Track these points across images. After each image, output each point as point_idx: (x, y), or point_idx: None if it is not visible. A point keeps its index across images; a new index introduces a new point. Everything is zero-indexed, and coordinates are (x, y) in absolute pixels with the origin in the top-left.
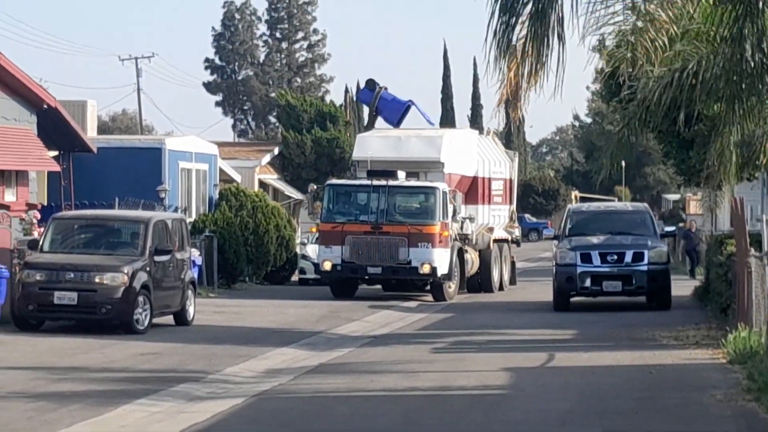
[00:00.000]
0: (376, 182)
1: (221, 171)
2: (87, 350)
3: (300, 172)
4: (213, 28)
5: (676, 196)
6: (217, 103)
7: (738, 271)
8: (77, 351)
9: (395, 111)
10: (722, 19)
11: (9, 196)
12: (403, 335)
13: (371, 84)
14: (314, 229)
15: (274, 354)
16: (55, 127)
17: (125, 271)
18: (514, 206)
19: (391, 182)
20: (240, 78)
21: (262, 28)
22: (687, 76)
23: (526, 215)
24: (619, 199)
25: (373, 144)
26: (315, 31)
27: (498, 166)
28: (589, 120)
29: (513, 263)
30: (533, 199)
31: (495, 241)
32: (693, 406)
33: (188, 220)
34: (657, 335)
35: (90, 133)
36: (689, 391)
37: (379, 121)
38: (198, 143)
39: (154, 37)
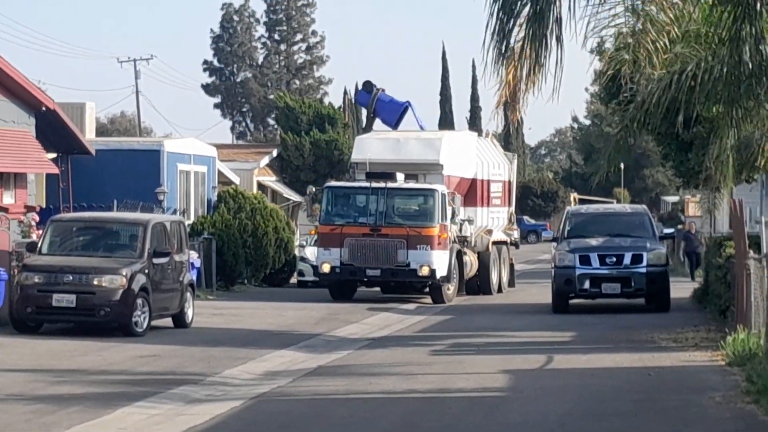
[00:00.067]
0: (374, 184)
1: (220, 173)
2: (85, 352)
3: (299, 174)
4: (211, 30)
5: (675, 198)
6: (216, 105)
7: (737, 273)
8: (76, 353)
9: (393, 112)
10: (720, 21)
11: (7, 199)
12: (401, 337)
13: (368, 86)
14: (313, 232)
15: (273, 356)
16: (53, 130)
17: (124, 274)
18: (512, 208)
19: (390, 184)
20: (238, 80)
21: (261, 30)
22: (686, 78)
23: (525, 217)
24: (618, 201)
25: (372, 146)
26: (314, 33)
27: (497, 168)
28: (588, 122)
29: (512, 265)
30: (532, 201)
31: (494, 243)
32: (692, 408)
33: (187, 222)
34: (656, 337)
35: (88, 136)
36: (688, 393)
37: (378, 123)
38: (196, 145)
39: (152, 39)
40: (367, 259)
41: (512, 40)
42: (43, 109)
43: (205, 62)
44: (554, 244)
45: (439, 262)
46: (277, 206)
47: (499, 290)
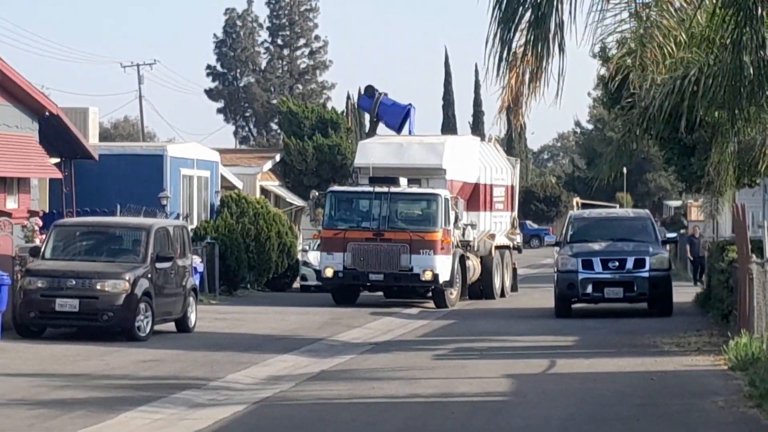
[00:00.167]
0: (378, 189)
1: (223, 178)
2: (88, 357)
3: (302, 178)
4: (215, 35)
5: (677, 203)
6: (219, 110)
7: (739, 278)
8: (78, 358)
9: (396, 115)
10: (722, 26)
11: (11, 204)
12: (404, 342)
13: (370, 90)
14: (316, 236)
15: (276, 361)
16: (56, 134)
17: (127, 278)
18: (515, 213)
19: (393, 189)
20: (241, 85)
21: (264, 34)
22: (688, 83)
23: (528, 222)
24: (621, 206)
25: (375, 151)
26: (316, 37)
27: (499, 172)
28: (590, 126)
29: (514, 270)
30: (535, 206)
31: (496, 247)
32: (695, 412)
33: (190, 227)
34: (658, 342)
35: (92, 140)
36: (691, 398)
37: (381, 127)
38: (199, 150)
39: (155, 43)
40: (370, 263)
41: (514, 45)
42: (47, 113)
43: (208, 67)
44: (557, 248)
45: (442, 266)
46: (280, 211)
47: (502, 295)
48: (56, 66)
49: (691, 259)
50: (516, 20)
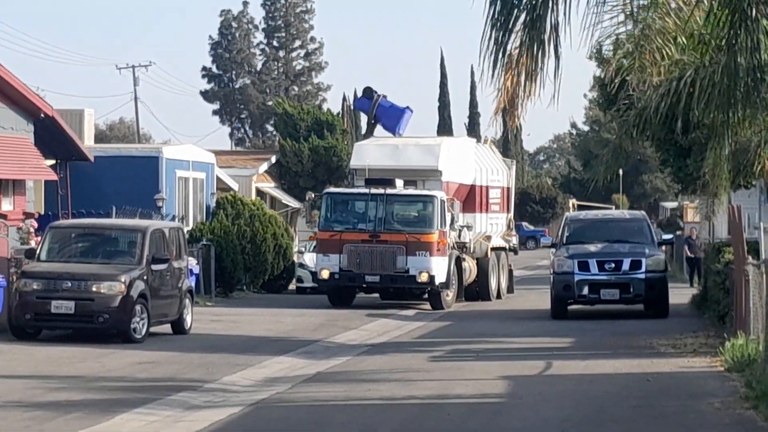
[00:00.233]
0: (373, 190)
1: (218, 179)
2: (84, 359)
3: (297, 180)
4: (210, 36)
5: (673, 204)
6: (215, 112)
7: (736, 279)
8: (74, 360)
9: (394, 118)
10: (717, 27)
11: (6, 205)
12: (400, 344)
13: (369, 92)
14: (312, 238)
15: (272, 363)
16: (52, 136)
17: (122, 280)
18: (511, 214)
19: (389, 190)
20: (237, 86)
21: (259, 36)
22: (684, 84)
23: (524, 223)
24: (617, 207)
25: (371, 152)
26: (312, 39)
27: (495, 174)
28: (586, 128)
29: (510, 271)
30: (531, 207)
31: (493, 249)
32: (691, 414)
33: (185, 228)
34: (655, 343)
35: (87, 142)
36: (687, 399)
37: (379, 129)
38: (195, 152)
39: (151, 45)
40: (366, 265)
41: (509, 47)
42: (42, 115)
43: (204, 69)
44: (553, 250)
45: (438, 268)
46: (276, 212)
47: (498, 296)
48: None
49: (693, 257)
50: (511, 22)
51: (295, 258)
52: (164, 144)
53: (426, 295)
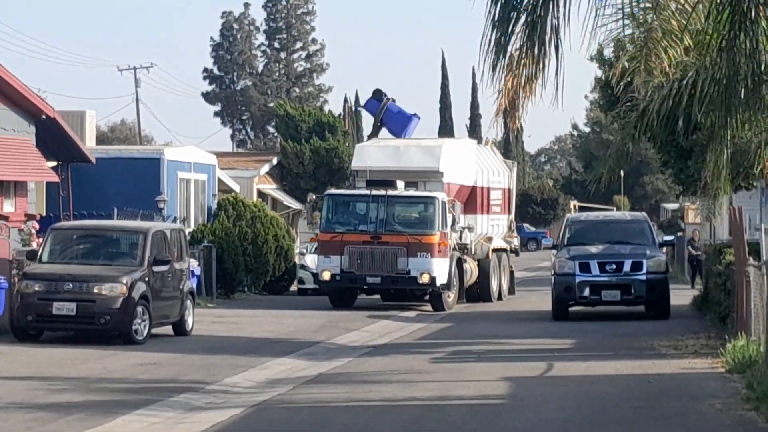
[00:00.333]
0: (375, 192)
1: (220, 181)
2: (86, 360)
3: (299, 181)
4: (211, 38)
5: (674, 205)
6: (216, 113)
7: (737, 281)
8: (76, 361)
9: (400, 123)
10: (718, 27)
11: (8, 207)
12: (402, 345)
13: (378, 94)
14: (313, 239)
15: (273, 364)
16: (53, 138)
17: (124, 282)
18: (512, 216)
19: (390, 192)
20: (238, 88)
21: (261, 38)
22: (685, 85)
23: (525, 225)
24: (618, 209)
25: (372, 153)
26: (313, 40)
27: (496, 175)
28: (587, 129)
29: (512, 273)
30: (532, 209)
31: (494, 250)
32: (692, 415)
33: (187, 230)
34: (656, 344)
35: (89, 144)
36: (688, 401)
37: (383, 132)
38: (197, 153)
39: (152, 47)
40: (367, 266)
41: (510, 49)
42: (43, 117)
43: (205, 70)
44: (554, 251)
45: (440, 269)
46: (277, 214)
47: (499, 298)
48: (53, 69)
49: (695, 259)
50: (511, 23)
51: (296, 259)
52: (166, 145)
53: (427, 297)
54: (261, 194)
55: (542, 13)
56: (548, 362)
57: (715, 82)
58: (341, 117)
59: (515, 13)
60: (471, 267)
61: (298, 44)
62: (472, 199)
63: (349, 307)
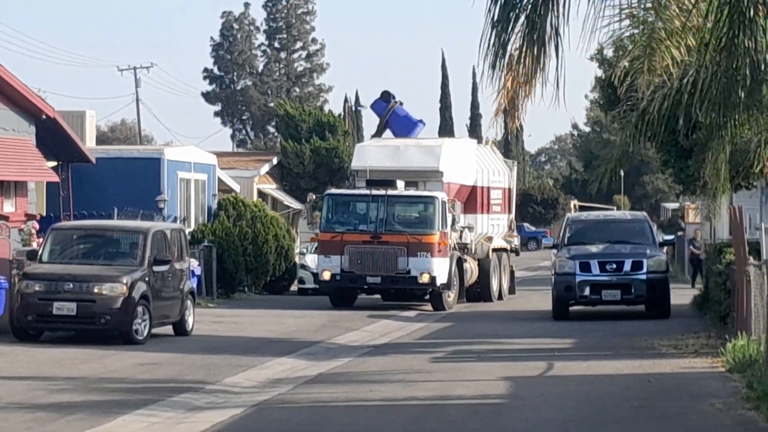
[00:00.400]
0: (375, 192)
1: (220, 181)
2: (86, 360)
3: (299, 181)
4: (212, 38)
5: (675, 205)
6: (216, 113)
7: (737, 280)
8: (76, 361)
9: (405, 128)
10: (717, 27)
11: (8, 207)
12: (402, 345)
13: (386, 96)
14: (313, 239)
15: (274, 364)
16: (53, 138)
17: (124, 282)
18: (512, 215)
19: (390, 192)
20: (239, 88)
21: (261, 38)
22: (686, 84)
23: (525, 224)
24: (618, 208)
25: (372, 153)
26: (314, 40)
27: (497, 175)
28: (588, 129)
29: (512, 272)
30: (532, 208)
31: (494, 250)
32: (692, 414)
33: (187, 230)
34: (656, 344)
35: (89, 144)
36: (688, 400)
37: (387, 133)
38: (197, 153)
39: (152, 47)
40: (367, 266)
41: (510, 48)
42: (44, 117)
43: (206, 70)
44: (554, 251)
45: (440, 269)
46: (278, 214)
47: (500, 297)
48: (53, 69)
49: (696, 258)
50: (511, 22)
51: (296, 259)
52: (166, 145)
53: (427, 296)
54: (261, 194)
55: (542, 13)
56: (548, 362)
57: (714, 81)
58: (341, 117)
59: (515, 13)
60: (471, 266)
61: (298, 44)
62: (472, 199)
63: (350, 306)
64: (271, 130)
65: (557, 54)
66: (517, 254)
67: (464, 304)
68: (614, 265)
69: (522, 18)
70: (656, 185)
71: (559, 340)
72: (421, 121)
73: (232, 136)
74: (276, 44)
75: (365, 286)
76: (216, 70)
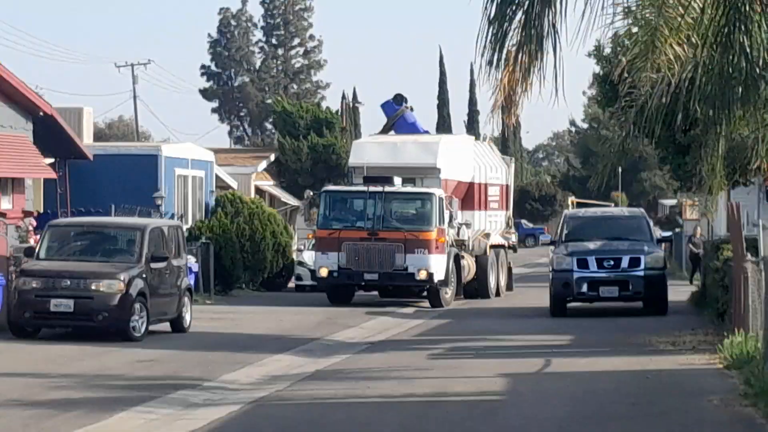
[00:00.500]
0: (372, 188)
1: (217, 177)
2: (83, 357)
3: (296, 178)
4: (209, 34)
5: (672, 202)
6: (213, 110)
7: (734, 277)
8: (74, 358)
9: (409, 134)
10: (713, 23)
11: (5, 204)
12: (399, 341)
13: (399, 99)
14: (311, 236)
15: (271, 361)
16: (51, 134)
17: (121, 278)
18: (510, 212)
19: (388, 188)
20: (236, 84)
21: (258, 34)
22: (684, 80)
23: (523, 221)
24: (616, 205)
25: (370, 150)
26: (311, 37)
27: (494, 171)
28: (585, 125)
29: (510, 269)
30: (530, 205)
31: (492, 246)
32: (690, 411)
33: (184, 227)
34: (654, 341)
35: (86, 140)
36: (686, 397)
37: (391, 134)
38: (194, 150)
39: (150, 43)
40: (364, 263)
41: (507, 44)
42: (41, 113)
43: (203, 67)
44: (552, 247)
45: (437, 266)
46: (275, 210)
47: (497, 294)
48: (50, 66)
49: (695, 255)
50: (508, 19)
51: (294, 256)
52: (163, 142)
53: (425, 293)
54: (259, 191)
55: (539, 9)
56: (546, 358)
57: (711, 77)
58: (339, 113)
59: (512, 9)
60: (469, 263)
61: (296, 40)
62: (469, 196)
63: (347, 303)
64: (269, 126)
65: (554, 50)
66: (515, 251)
67: (462, 300)
68: (612, 262)
69: (519, 14)
70: (654, 182)
71: (557, 337)
72: (427, 132)
73: (230, 133)
74: (273, 41)
75: (362, 283)
76: (213, 67)
